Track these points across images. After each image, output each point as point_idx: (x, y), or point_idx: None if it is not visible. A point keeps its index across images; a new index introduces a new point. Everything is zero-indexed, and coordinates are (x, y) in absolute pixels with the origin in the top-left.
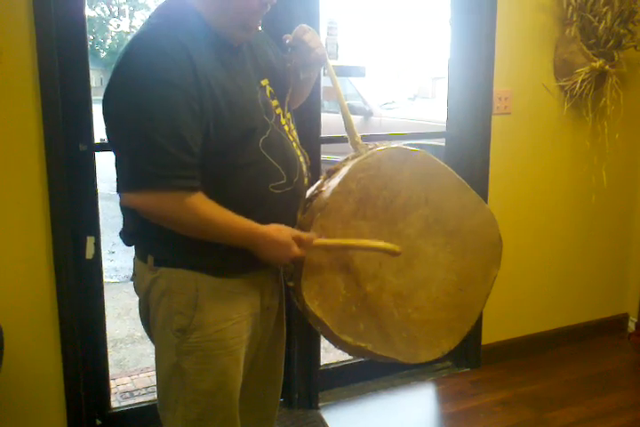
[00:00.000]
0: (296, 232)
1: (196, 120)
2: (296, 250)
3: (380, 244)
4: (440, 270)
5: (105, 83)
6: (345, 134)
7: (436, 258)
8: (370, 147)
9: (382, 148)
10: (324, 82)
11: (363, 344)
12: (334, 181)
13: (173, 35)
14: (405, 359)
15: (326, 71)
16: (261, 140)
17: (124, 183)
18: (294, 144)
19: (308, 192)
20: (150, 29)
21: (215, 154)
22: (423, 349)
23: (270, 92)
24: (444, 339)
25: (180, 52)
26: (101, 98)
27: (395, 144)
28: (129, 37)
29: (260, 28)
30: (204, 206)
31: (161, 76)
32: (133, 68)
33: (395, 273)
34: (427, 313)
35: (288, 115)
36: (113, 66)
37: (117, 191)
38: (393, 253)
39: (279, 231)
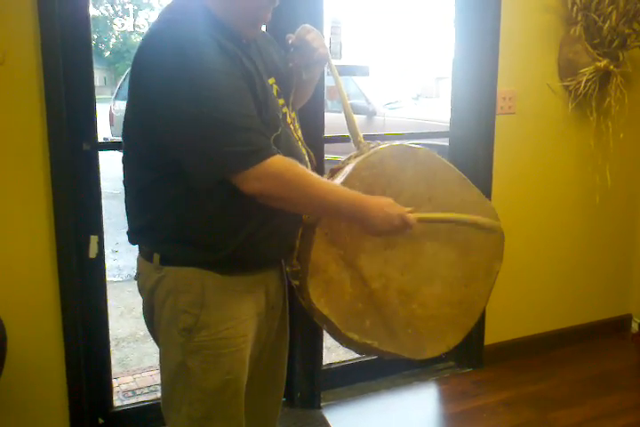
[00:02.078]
0: (403, 210)
1: (251, 98)
2: (411, 217)
3: (481, 219)
4: (444, 267)
5: (109, 82)
6: (348, 134)
7: (440, 254)
8: (372, 146)
9: (385, 146)
10: (328, 81)
11: (369, 341)
12: (338, 180)
13: (195, 27)
14: (411, 355)
15: (329, 71)
16: (273, 137)
17: (231, 167)
18: (299, 143)
19: None
20: (170, 24)
21: None
22: (428, 344)
23: (277, 90)
24: (448, 334)
25: (214, 42)
26: (105, 97)
27: (397, 142)
28: (133, 37)
29: (263, 27)
30: (301, 166)
31: (207, 64)
32: (175, 61)
33: (399, 270)
34: (431, 309)
35: (293, 114)
36: (137, 62)
37: (226, 176)
38: (492, 231)
39: (389, 200)
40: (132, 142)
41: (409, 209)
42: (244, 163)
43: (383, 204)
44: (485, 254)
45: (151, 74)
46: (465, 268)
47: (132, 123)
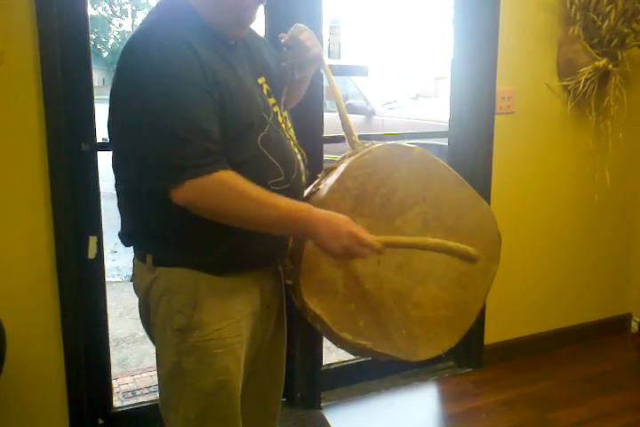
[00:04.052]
0: (355, 228)
1: (211, 109)
2: (366, 237)
3: (460, 246)
4: (439, 267)
5: (107, 82)
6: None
7: (435, 255)
8: (367, 145)
9: (379, 145)
10: (327, 81)
11: (362, 342)
12: (331, 179)
13: (175, 30)
14: (405, 357)
15: (323, 71)
16: (260, 137)
17: (167, 180)
18: (291, 142)
19: (306, 191)
20: (151, 26)
21: None
22: (423, 346)
23: (267, 90)
24: (443, 336)
25: (185, 47)
26: (103, 97)
27: (392, 141)
28: (127, 40)
29: (262, 28)
30: (242, 182)
31: (169, 72)
32: (140, 66)
33: (393, 270)
34: (426, 310)
35: (285, 113)
36: (116, 65)
37: (161, 188)
38: (470, 259)
39: (340, 220)
40: (116, 144)
41: (372, 237)
42: (175, 177)
43: (332, 220)
44: (482, 256)
45: (123, 78)
46: (460, 269)
47: (113, 125)
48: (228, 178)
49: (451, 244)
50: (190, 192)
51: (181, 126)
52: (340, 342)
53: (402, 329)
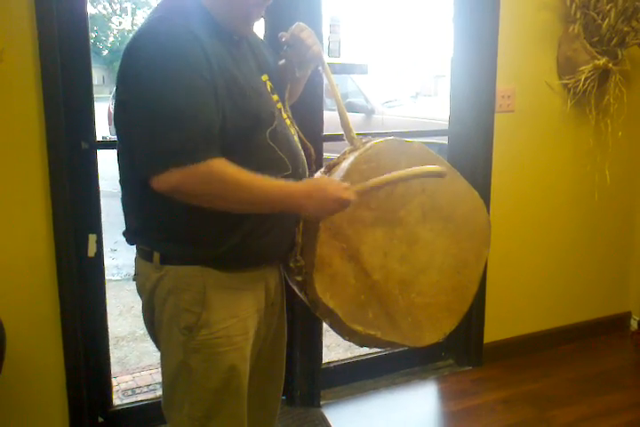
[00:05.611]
0: (337, 191)
1: (211, 100)
2: (348, 194)
3: (426, 168)
4: (438, 255)
5: (107, 81)
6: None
7: (434, 243)
8: (365, 141)
9: (380, 140)
10: (326, 79)
11: (372, 332)
12: (337, 175)
13: (182, 23)
14: (411, 343)
15: (322, 69)
16: (268, 132)
17: (151, 167)
18: (296, 137)
19: None
20: (158, 20)
21: (225, 144)
22: (427, 331)
23: (270, 87)
24: (444, 321)
25: (191, 38)
26: (103, 96)
27: (391, 137)
28: (131, 35)
29: (262, 26)
30: (230, 169)
31: (174, 61)
32: (146, 56)
33: (398, 260)
34: (429, 297)
35: (288, 110)
36: (122, 59)
37: (146, 175)
38: (439, 175)
39: (322, 181)
40: (125, 139)
41: (345, 185)
42: (162, 163)
43: (311, 190)
44: (475, 241)
45: (129, 68)
46: (457, 255)
47: (123, 119)
48: (218, 166)
49: (416, 169)
50: (173, 179)
51: (173, 114)
52: (349, 335)
53: (408, 317)
